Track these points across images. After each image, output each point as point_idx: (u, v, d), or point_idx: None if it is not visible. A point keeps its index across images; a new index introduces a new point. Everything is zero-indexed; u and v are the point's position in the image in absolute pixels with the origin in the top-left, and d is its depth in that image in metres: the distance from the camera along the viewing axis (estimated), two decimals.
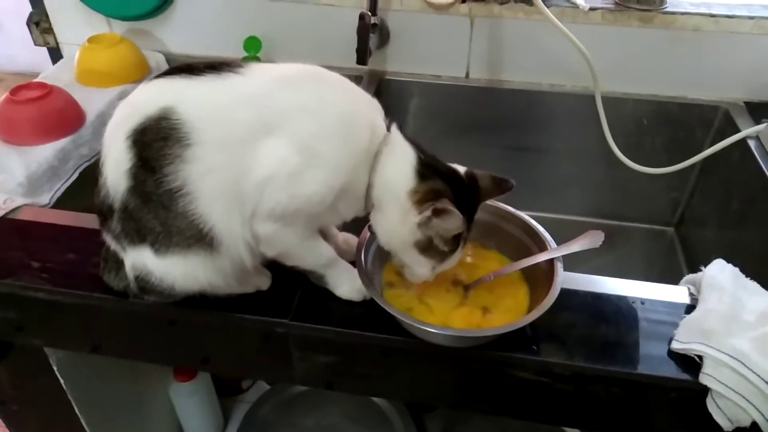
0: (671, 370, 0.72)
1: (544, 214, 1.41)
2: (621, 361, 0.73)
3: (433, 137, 1.37)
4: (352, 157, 0.69)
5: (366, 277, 0.74)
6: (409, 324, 0.70)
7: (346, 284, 0.78)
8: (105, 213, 0.72)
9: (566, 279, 0.78)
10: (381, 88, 1.31)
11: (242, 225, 0.69)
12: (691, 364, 0.72)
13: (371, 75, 1.31)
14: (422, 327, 0.68)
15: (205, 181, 0.66)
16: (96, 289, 0.81)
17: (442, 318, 0.76)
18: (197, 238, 0.67)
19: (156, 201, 0.67)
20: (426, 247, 0.72)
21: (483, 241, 0.85)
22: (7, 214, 0.93)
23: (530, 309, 0.77)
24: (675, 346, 0.73)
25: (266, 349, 0.82)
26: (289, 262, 0.75)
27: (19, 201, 0.96)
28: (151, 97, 0.68)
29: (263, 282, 0.80)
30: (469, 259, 0.85)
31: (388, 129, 0.74)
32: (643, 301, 0.80)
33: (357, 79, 1.30)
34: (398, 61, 1.32)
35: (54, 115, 1.11)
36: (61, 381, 1.04)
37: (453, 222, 0.69)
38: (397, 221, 0.72)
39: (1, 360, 1.01)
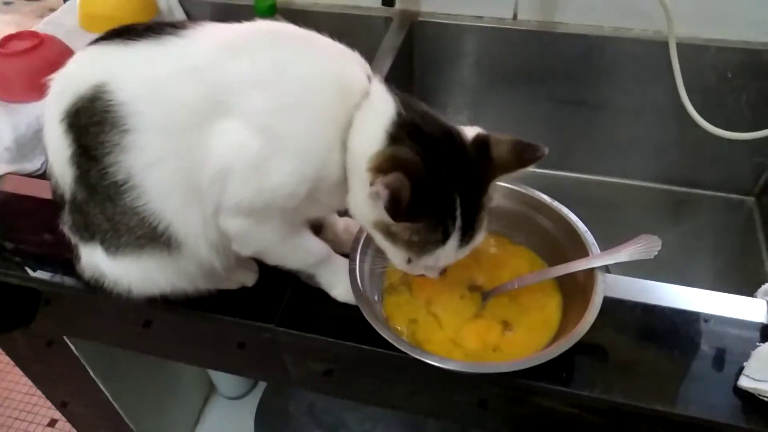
0: (735, 415, 0.57)
1: (600, 178, 1.23)
2: (671, 397, 0.59)
3: (472, 90, 1.20)
4: (324, 132, 0.55)
5: (358, 282, 0.61)
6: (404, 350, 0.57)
7: (342, 285, 0.66)
8: (59, 202, 0.62)
9: (610, 283, 0.63)
10: (413, 32, 1.14)
11: (204, 223, 0.57)
12: (763, 409, 0.57)
13: (402, 17, 1.14)
14: (417, 357, 0.55)
15: (151, 173, 0.54)
16: (68, 278, 0.72)
17: (453, 333, 0.63)
18: (150, 237, 0.57)
19: (102, 194, 0.56)
20: (388, 232, 0.56)
21: (510, 233, 0.71)
22: None
23: (562, 325, 0.63)
24: (744, 383, 0.58)
25: (255, 351, 0.72)
26: (271, 262, 0.64)
27: (2, 169, 0.87)
28: (83, 71, 0.56)
29: (248, 278, 0.69)
30: (492, 250, 0.70)
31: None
32: (707, 318, 0.65)
33: (386, 22, 1.14)
34: (433, 0, 1.13)
35: (47, 68, 0.97)
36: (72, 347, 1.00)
37: (380, 208, 0.50)
38: (359, 193, 0.56)
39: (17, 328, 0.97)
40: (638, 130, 1.16)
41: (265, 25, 0.59)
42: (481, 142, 0.57)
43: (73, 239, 0.63)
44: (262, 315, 0.67)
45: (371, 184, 0.51)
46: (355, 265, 0.64)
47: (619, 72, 1.10)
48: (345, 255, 0.66)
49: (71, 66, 0.58)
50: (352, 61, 0.59)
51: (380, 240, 0.59)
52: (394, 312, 0.65)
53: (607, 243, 1.12)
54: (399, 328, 0.63)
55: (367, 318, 0.58)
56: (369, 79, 0.59)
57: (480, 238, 0.58)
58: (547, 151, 0.57)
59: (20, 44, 1.00)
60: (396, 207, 0.49)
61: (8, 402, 1.82)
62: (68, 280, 0.71)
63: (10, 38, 1.00)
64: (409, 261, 0.58)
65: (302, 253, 0.64)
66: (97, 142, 0.54)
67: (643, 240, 0.61)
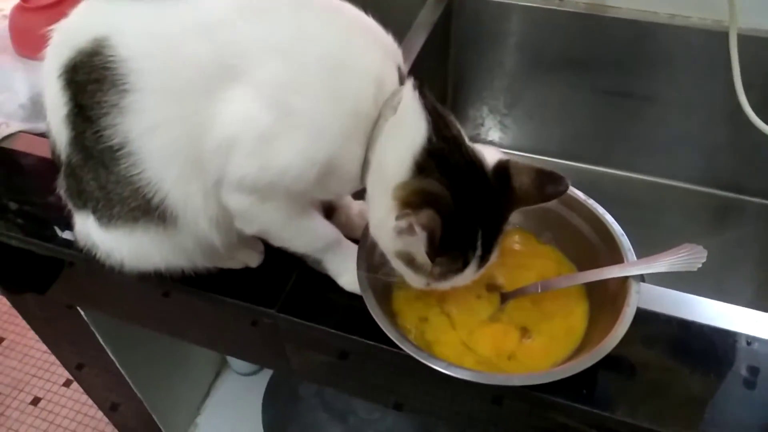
0: None
1: (641, 176, 1.15)
2: (703, 426, 0.53)
3: (511, 74, 1.13)
4: (342, 120, 0.51)
5: (365, 274, 0.57)
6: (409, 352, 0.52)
7: (350, 273, 0.60)
8: (57, 164, 0.58)
9: (644, 294, 0.57)
10: (450, 10, 1.07)
11: (204, 197, 0.53)
12: None
13: None
14: (422, 360, 0.50)
15: (150, 139, 0.50)
16: (67, 244, 0.69)
17: (465, 335, 0.58)
18: (144, 210, 0.53)
19: (96, 159, 0.52)
20: (410, 262, 0.54)
21: (538, 231, 0.65)
22: (0, 141, 0.83)
23: (587, 336, 0.57)
24: None
25: (255, 336, 0.68)
26: (275, 243, 0.59)
27: (15, 126, 0.85)
28: (84, 23, 0.52)
29: (252, 258, 0.65)
30: (516, 248, 0.65)
31: (402, 82, 0.54)
32: (749, 341, 0.58)
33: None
34: None
35: None
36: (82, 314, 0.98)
37: (417, 245, 0.49)
38: (382, 219, 0.53)
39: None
40: (687, 127, 1.08)
41: None
42: (502, 170, 0.54)
43: (69, 205, 0.59)
44: (264, 299, 0.63)
45: (398, 217, 0.49)
46: (364, 253, 0.59)
47: (672, 63, 1.02)
48: (357, 241, 0.62)
49: (73, 17, 0.54)
50: (385, 46, 0.55)
51: (400, 266, 0.56)
52: (403, 307, 0.60)
53: (643, 247, 1.04)
54: (407, 326, 0.59)
55: (372, 313, 0.53)
56: (399, 71, 0.55)
57: (495, 257, 0.55)
58: (569, 184, 0.54)
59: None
60: (432, 246, 0.47)
61: (27, 359, 1.84)
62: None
63: None
64: (427, 284, 0.55)
65: (309, 236, 0.59)
66: (94, 102, 0.50)
67: (686, 249, 0.54)
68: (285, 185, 0.51)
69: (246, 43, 0.49)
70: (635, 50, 1.03)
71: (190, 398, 1.51)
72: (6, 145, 0.82)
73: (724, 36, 0.90)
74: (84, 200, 0.55)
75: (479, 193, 0.52)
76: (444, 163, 0.51)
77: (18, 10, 0.96)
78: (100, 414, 1.51)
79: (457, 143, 0.53)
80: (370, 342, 0.59)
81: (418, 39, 1.00)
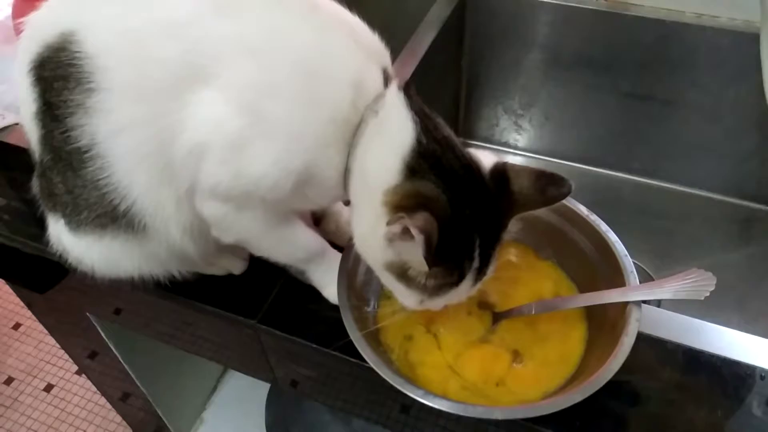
0: None
1: (663, 183, 1.10)
2: None
3: (527, 73, 1.08)
4: (318, 127, 0.47)
5: (346, 290, 0.53)
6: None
7: (335, 285, 0.57)
8: (32, 162, 0.56)
9: (649, 318, 0.53)
10: (465, 4, 1.03)
11: (176, 204, 0.50)
12: None
13: None
14: (398, 387, 0.47)
15: (117, 141, 0.47)
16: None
17: (452, 357, 0.54)
18: (111, 217, 0.50)
19: (65, 160, 0.50)
20: (402, 274, 0.50)
21: (537, 245, 0.61)
22: None
23: (584, 362, 0.53)
24: None
25: (240, 346, 0.65)
26: (255, 253, 0.57)
27: (11, 118, 0.84)
28: (53, 17, 0.49)
29: (235, 265, 0.62)
30: (513, 262, 0.60)
31: (386, 85, 0.50)
32: (763, 375, 0.53)
33: None
34: None
35: None
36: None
37: (413, 252, 0.45)
38: (368, 229, 0.49)
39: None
40: (712, 133, 1.02)
41: None
42: (499, 174, 0.50)
43: (41, 206, 0.57)
44: (246, 309, 0.60)
45: (389, 222, 0.45)
46: (348, 264, 0.55)
47: (698, 65, 0.97)
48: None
49: (43, 9, 0.51)
50: (368, 48, 0.51)
51: (390, 281, 0.51)
52: (388, 323, 0.57)
53: (660, 258, 1.00)
54: (390, 343, 0.55)
55: (349, 332, 0.50)
56: (386, 74, 0.51)
57: (492, 271, 0.51)
58: (573, 186, 0.49)
59: None
60: (429, 250, 0.43)
61: (42, 345, 1.86)
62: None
63: None
64: (421, 302, 0.51)
65: (290, 246, 0.56)
66: (60, 100, 0.48)
67: (693, 275, 0.50)
68: (260, 195, 0.48)
69: (217, 42, 0.46)
70: (659, 51, 0.97)
71: (197, 394, 1.50)
72: (1, 137, 0.81)
73: (754, 37, 0.85)
74: (54, 203, 0.53)
75: (476, 198, 0.48)
76: (437, 164, 0.47)
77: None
78: (110, 404, 1.52)
79: (450, 144, 0.49)
80: (352, 359, 0.55)
81: (429, 34, 0.96)
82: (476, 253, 0.48)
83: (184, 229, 0.52)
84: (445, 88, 1.12)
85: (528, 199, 0.49)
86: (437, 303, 0.51)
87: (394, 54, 0.89)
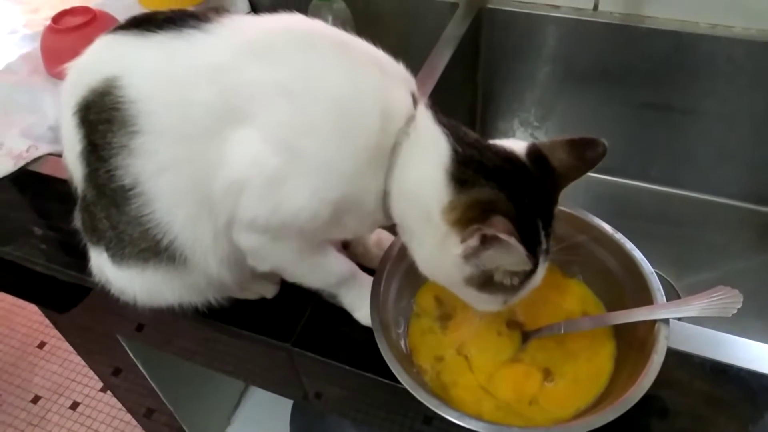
0: None
1: (681, 192, 1.11)
2: None
3: (543, 87, 1.09)
4: (353, 158, 0.49)
5: (378, 313, 0.55)
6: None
7: (366, 307, 0.58)
8: (74, 195, 0.58)
9: (676, 333, 0.54)
10: (480, 20, 1.04)
11: (214, 237, 0.52)
12: None
13: (469, 3, 1.04)
14: (434, 409, 0.48)
15: (159, 180, 0.49)
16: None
17: (484, 378, 0.55)
18: (154, 251, 0.52)
19: (109, 197, 0.52)
20: (485, 283, 0.50)
21: (564, 264, 0.62)
22: (28, 164, 0.84)
23: (613, 379, 0.54)
24: None
25: (274, 367, 0.67)
26: (289, 279, 0.58)
27: (43, 149, 0.86)
28: (97, 62, 0.52)
29: (268, 290, 0.64)
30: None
31: (415, 106, 0.52)
32: None
33: (451, 8, 1.05)
34: None
35: None
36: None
37: (511, 256, 0.46)
38: (434, 251, 0.50)
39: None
40: (729, 141, 1.03)
41: (298, 24, 0.53)
42: (536, 155, 0.51)
43: (84, 239, 0.59)
44: (279, 332, 0.62)
45: (464, 239, 0.46)
46: (380, 288, 0.57)
47: (713, 75, 0.97)
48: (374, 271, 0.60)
49: (86, 55, 0.54)
50: (395, 76, 0.53)
51: (470, 294, 0.52)
52: (419, 344, 0.58)
53: (680, 266, 1.01)
54: (423, 365, 0.57)
55: (385, 357, 0.51)
56: (414, 98, 0.53)
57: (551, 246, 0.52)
58: (607, 143, 0.51)
59: (73, 20, 0.98)
60: (525, 248, 0.45)
61: (67, 363, 1.89)
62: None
63: (63, 14, 0.99)
64: (504, 302, 0.53)
65: (323, 272, 0.58)
66: (105, 142, 0.50)
67: (720, 293, 0.50)
68: (298, 226, 0.50)
69: (253, 85, 0.48)
70: (674, 62, 0.98)
71: (221, 409, 1.52)
72: (33, 168, 0.83)
73: None
74: (98, 237, 0.55)
75: (527, 186, 0.50)
76: (481, 167, 0.49)
77: (49, 31, 0.97)
78: (135, 420, 1.54)
79: (483, 145, 0.51)
80: (386, 380, 0.57)
81: (446, 52, 0.98)
82: (542, 236, 0.50)
83: (221, 260, 0.54)
84: (462, 102, 1.13)
85: (571, 170, 0.51)
86: (518, 297, 0.53)
87: (414, 71, 0.91)
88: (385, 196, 0.51)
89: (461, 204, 0.48)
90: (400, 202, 0.51)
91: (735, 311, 0.49)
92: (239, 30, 0.50)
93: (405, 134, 0.50)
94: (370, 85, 0.50)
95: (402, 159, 0.50)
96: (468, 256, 0.47)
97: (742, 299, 0.49)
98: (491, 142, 0.52)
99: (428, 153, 0.49)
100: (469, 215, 0.47)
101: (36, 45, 1.01)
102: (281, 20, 0.52)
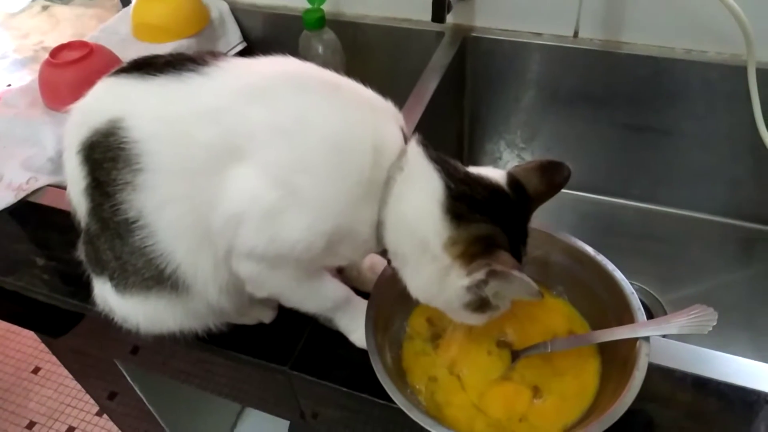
0: None
1: (664, 209, 1.14)
2: None
3: (527, 110, 1.13)
4: (346, 193, 0.52)
5: (373, 335, 0.57)
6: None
7: (361, 330, 0.61)
8: (77, 228, 0.61)
9: (658, 349, 0.56)
10: (465, 47, 1.08)
11: (214, 267, 0.55)
12: None
13: (454, 31, 1.08)
14: (429, 429, 0.50)
15: (162, 214, 0.52)
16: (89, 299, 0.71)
17: (476, 396, 0.58)
18: (157, 279, 0.54)
19: (113, 230, 0.54)
20: (481, 306, 0.54)
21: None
22: (28, 196, 0.86)
23: (599, 394, 0.57)
24: None
25: (272, 390, 0.69)
26: (286, 305, 0.61)
27: (43, 180, 0.88)
28: (100, 104, 0.55)
29: (265, 315, 0.66)
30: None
31: (406, 141, 0.55)
32: None
33: (437, 37, 1.09)
34: (489, 15, 1.07)
35: (95, 77, 1.00)
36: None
37: (521, 288, 0.51)
38: (434, 281, 0.54)
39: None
40: (708, 160, 1.06)
41: (292, 67, 0.56)
42: (515, 184, 0.56)
43: (88, 270, 0.62)
44: (277, 356, 0.64)
45: (470, 272, 0.51)
46: (373, 310, 0.59)
47: (690, 97, 1.01)
48: (368, 295, 0.62)
49: (89, 98, 0.56)
50: (384, 114, 0.56)
51: (464, 315, 0.56)
52: (413, 365, 0.60)
53: (664, 281, 1.04)
54: (417, 385, 0.59)
55: (379, 377, 0.54)
56: (403, 132, 0.56)
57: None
58: (570, 168, 0.58)
59: (70, 54, 1.01)
60: (529, 285, 0.49)
61: (62, 388, 1.89)
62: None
63: (61, 48, 1.02)
64: (490, 317, 0.57)
65: (319, 298, 0.60)
66: (110, 179, 0.52)
67: (696, 311, 0.53)
68: (294, 256, 0.53)
69: (250, 125, 0.51)
70: (652, 85, 1.01)
71: (217, 430, 1.53)
72: (34, 199, 0.85)
73: (742, 70, 0.89)
74: (101, 267, 0.58)
75: (511, 215, 0.55)
76: (474, 203, 0.53)
77: (46, 65, 1.00)
78: None
79: (472, 179, 0.55)
80: (381, 401, 0.59)
81: (433, 79, 1.01)
82: (523, 257, 0.55)
83: (221, 289, 0.56)
84: (450, 126, 1.17)
85: (543, 195, 0.56)
86: (502, 311, 0.57)
87: (402, 98, 0.94)
88: (378, 226, 0.54)
89: (462, 239, 0.52)
90: (395, 232, 0.54)
91: (710, 328, 0.52)
92: (235, 73, 0.53)
93: (398, 169, 0.53)
94: (361, 123, 0.53)
95: (396, 192, 0.53)
96: (474, 287, 0.52)
97: (716, 317, 0.52)
98: (474, 172, 0.56)
99: (422, 188, 0.53)
100: (472, 250, 0.51)
101: (26, 70, 1.04)
102: (275, 64, 0.55)
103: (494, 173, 0.56)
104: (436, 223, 0.52)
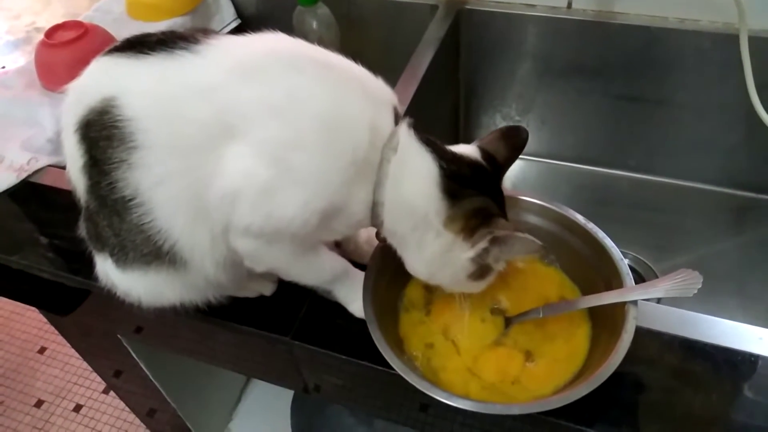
0: None
1: (658, 178, 1.15)
2: None
3: (522, 82, 1.13)
4: (341, 171, 0.53)
5: (371, 305, 0.59)
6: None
7: (360, 301, 0.63)
8: (78, 206, 0.62)
9: (646, 313, 0.58)
10: (459, 20, 1.08)
11: (212, 242, 0.56)
12: None
13: (448, 4, 1.08)
14: (425, 391, 0.52)
15: (158, 191, 0.53)
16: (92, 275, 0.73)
17: (470, 361, 0.60)
18: (155, 255, 0.56)
19: (111, 207, 0.55)
20: (482, 273, 0.58)
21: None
22: (30, 176, 0.87)
23: (590, 357, 0.59)
24: None
25: (274, 360, 0.71)
26: (285, 278, 0.62)
27: (43, 161, 0.89)
28: (95, 83, 0.55)
29: (266, 287, 0.68)
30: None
31: (397, 122, 0.56)
32: (753, 358, 0.59)
33: (431, 10, 1.09)
34: None
35: (90, 57, 1.00)
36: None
37: (523, 246, 0.55)
38: (438, 257, 0.57)
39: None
40: (701, 129, 1.07)
41: (284, 45, 0.56)
42: (488, 156, 0.60)
43: (89, 246, 0.63)
44: (279, 326, 0.66)
45: (475, 242, 0.55)
46: (371, 282, 0.61)
47: (683, 67, 1.02)
48: (365, 267, 0.64)
49: (84, 77, 0.57)
50: (376, 92, 0.57)
51: (467, 285, 0.59)
52: (409, 333, 0.62)
53: (659, 250, 1.06)
54: (414, 352, 0.61)
55: (378, 345, 0.56)
56: (396, 112, 0.57)
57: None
58: (527, 129, 0.63)
59: (65, 34, 1.01)
60: (531, 242, 0.54)
61: (68, 367, 1.92)
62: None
63: (56, 28, 1.02)
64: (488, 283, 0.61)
65: (316, 271, 0.62)
66: (106, 157, 0.53)
67: (682, 275, 0.55)
68: (290, 232, 0.54)
69: (243, 104, 0.51)
70: (646, 55, 1.02)
71: (223, 404, 1.56)
72: (35, 179, 0.86)
73: (734, 38, 0.90)
74: (102, 244, 0.59)
75: (491, 184, 0.59)
76: (463, 179, 0.56)
77: (42, 45, 1.00)
78: (138, 420, 1.58)
79: (459, 159, 0.58)
80: (379, 367, 0.61)
81: (428, 53, 1.01)
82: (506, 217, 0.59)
83: (217, 263, 0.57)
84: (445, 100, 1.17)
85: (508, 160, 0.61)
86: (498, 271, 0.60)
87: (397, 72, 0.94)
88: (374, 206, 0.55)
89: (460, 215, 0.55)
90: (393, 213, 0.56)
91: (695, 291, 0.53)
92: (226, 51, 0.54)
93: (391, 150, 0.54)
94: (354, 102, 0.54)
95: (392, 174, 0.54)
96: (477, 257, 0.55)
97: (701, 280, 0.54)
98: (454, 151, 0.59)
99: (419, 170, 0.55)
100: (471, 224, 0.55)
101: (18, 51, 1.04)
102: (266, 41, 0.56)
103: (468, 149, 0.60)
104: (436, 203, 0.55)
